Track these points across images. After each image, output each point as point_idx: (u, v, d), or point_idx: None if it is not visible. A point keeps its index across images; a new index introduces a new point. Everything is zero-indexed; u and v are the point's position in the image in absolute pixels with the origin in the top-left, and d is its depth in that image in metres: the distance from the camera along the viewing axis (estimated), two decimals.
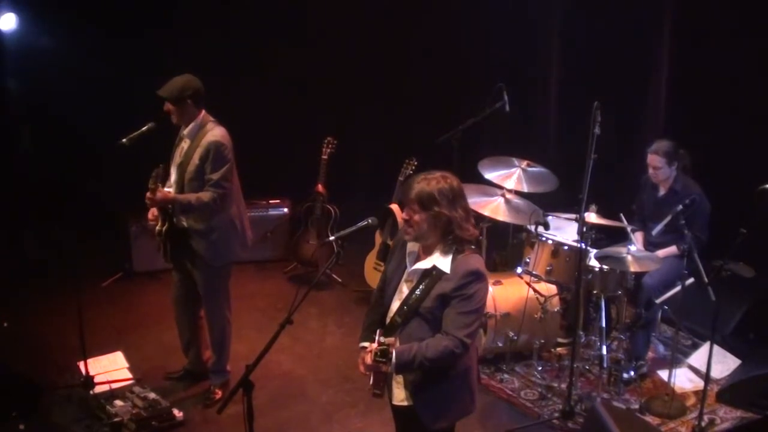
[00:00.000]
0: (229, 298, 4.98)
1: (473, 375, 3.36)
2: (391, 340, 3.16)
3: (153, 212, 4.71)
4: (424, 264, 3.22)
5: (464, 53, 7.22)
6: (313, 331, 5.96)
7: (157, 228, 4.75)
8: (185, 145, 4.68)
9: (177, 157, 4.73)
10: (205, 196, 4.57)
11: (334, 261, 3.58)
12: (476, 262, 3.19)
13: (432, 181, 3.15)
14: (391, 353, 3.09)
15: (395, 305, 3.28)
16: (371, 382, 3.26)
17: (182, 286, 4.97)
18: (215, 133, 4.61)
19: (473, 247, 3.24)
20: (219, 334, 4.95)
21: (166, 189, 4.67)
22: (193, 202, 4.57)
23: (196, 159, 4.60)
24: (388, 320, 3.30)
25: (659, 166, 5.20)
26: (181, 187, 4.66)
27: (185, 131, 4.68)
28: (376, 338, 3.25)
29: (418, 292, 3.20)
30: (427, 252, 3.25)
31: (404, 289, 3.28)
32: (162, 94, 4.57)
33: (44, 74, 6.89)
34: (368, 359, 3.14)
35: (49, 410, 4.78)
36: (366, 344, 3.31)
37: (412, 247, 3.32)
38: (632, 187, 5.69)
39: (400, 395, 3.31)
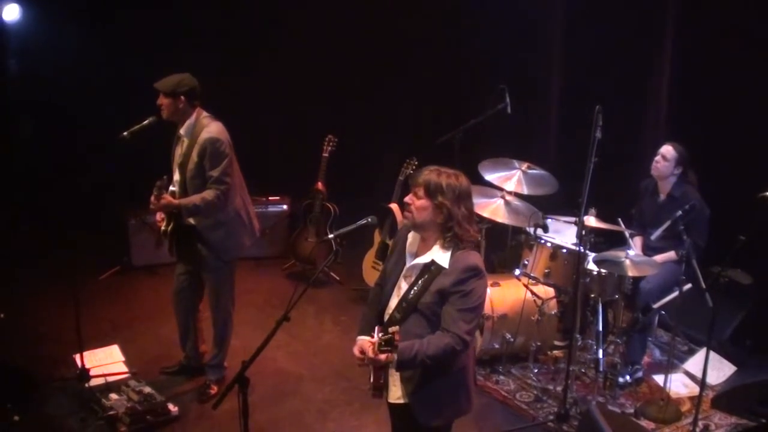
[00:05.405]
0: (233, 293, 4.99)
1: (469, 374, 3.36)
2: (395, 328, 3.11)
3: (160, 215, 4.76)
4: (423, 259, 3.23)
5: (467, 54, 7.22)
6: (310, 328, 5.96)
7: (163, 228, 4.78)
8: (184, 143, 4.67)
9: (177, 157, 4.72)
10: (209, 194, 4.57)
11: (332, 259, 3.60)
12: (475, 258, 3.20)
13: (443, 175, 3.20)
14: (397, 342, 3.06)
15: (394, 302, 3.29)
16: (371, 378, 3.26)
17: (185, 279, 4.98)
18: (211, 129, 4.60)
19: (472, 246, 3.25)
20: (222, 328, 4.96)
21: (170, 189, 4.68)
22: (199, 203, 4.57)
23: (194, 157, 4.59)
24: (386, 317, 3.30)
25: (668, 158, 5.21)
26: (184, 187, 4.66)
27: (182, 130, 4.67)
28: (375, 335, 3.24)
29: (416, 287, 3.20)
30: (426, 248, 3.25)
31: (403, 285, 3.28)
32: (157, 86, 4.57)
33: (46, 65, 6.88)
34: (370, 351, 3.11)
35: (43, 402, 4.78)
36: (364, 337, 3.29)
37: (411, 244, 3.33)
38: (632, 192, 5.69)
39: (396, 393, 3.31)
